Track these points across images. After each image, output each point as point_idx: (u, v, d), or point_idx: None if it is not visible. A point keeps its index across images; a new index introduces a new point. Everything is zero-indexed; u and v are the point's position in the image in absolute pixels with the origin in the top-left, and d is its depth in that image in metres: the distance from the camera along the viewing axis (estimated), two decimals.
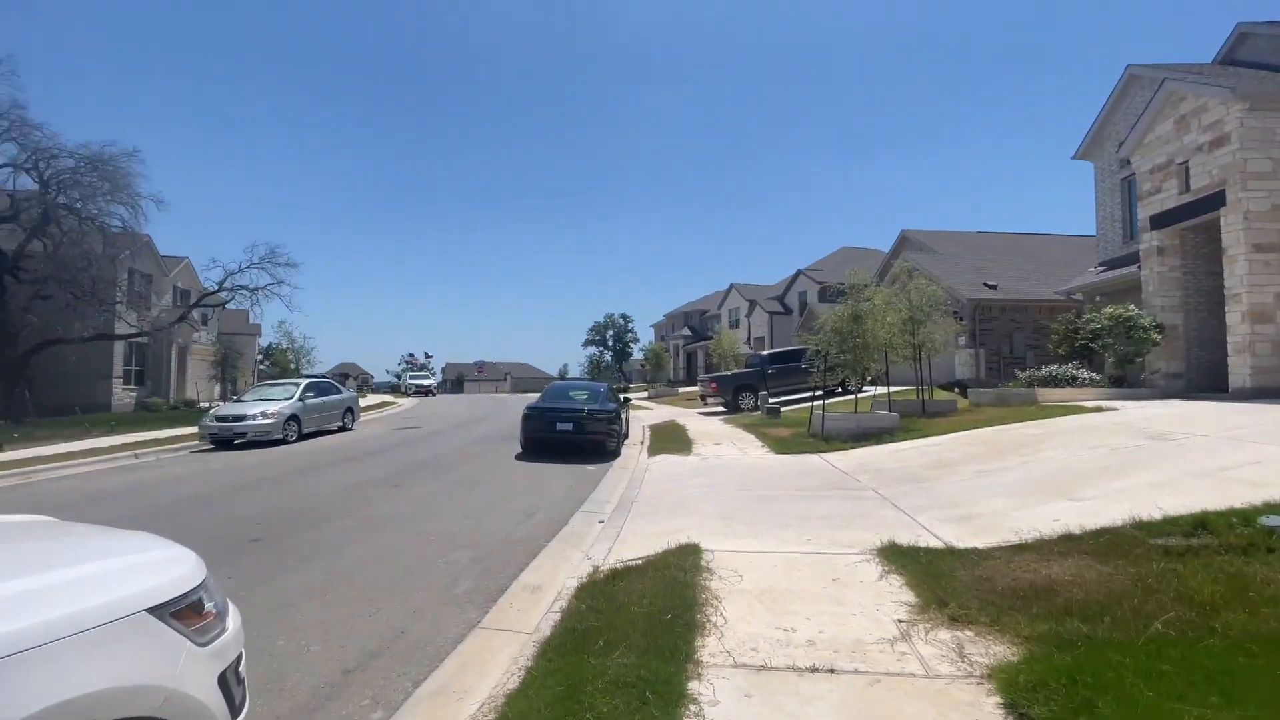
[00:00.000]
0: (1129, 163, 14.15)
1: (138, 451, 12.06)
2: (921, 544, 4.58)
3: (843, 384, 15.33)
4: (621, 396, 14.74)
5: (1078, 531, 4.48)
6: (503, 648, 3.29)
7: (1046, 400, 11.74)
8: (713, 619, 3.35)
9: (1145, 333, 12.12)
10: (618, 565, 4.45)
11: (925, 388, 13.58)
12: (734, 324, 44.83)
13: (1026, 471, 6.66)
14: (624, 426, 12.88)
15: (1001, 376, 18.94)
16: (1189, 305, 12.43)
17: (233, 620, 2.05)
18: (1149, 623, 3.05)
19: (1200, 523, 4.30)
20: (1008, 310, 20.87)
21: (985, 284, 21.17)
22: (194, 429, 14.36)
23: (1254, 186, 10.57)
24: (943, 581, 3.77)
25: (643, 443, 12.89)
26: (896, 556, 4.33)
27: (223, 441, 13.17)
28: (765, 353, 23.45)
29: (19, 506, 7.57)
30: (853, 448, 9.81)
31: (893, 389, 14.13)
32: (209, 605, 1.91)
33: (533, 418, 11.37)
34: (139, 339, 24.08)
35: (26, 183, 18.94)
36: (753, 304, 42.54)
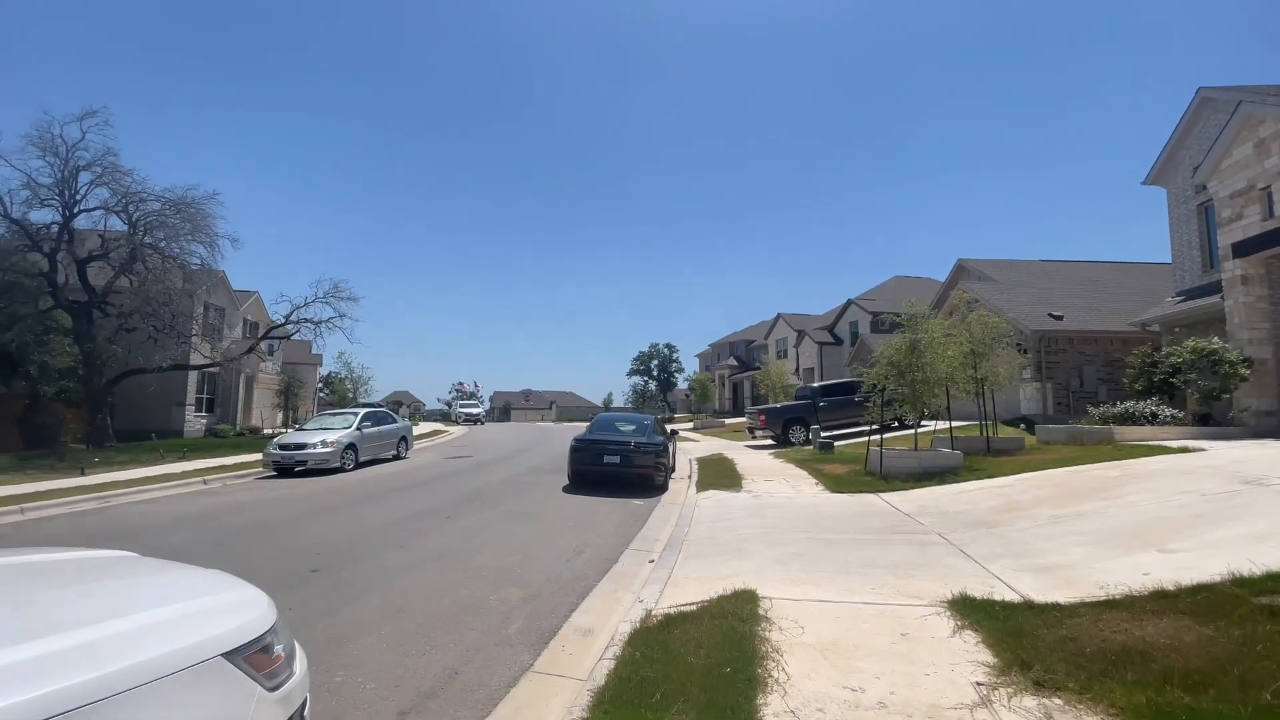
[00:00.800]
0: (1205, 188, 13.40)
1: (207, 478, 12.66)
2: (996, 597, 4.28)
3: (900, 419, 14.78)
4: (668, 428, 14.63)
5: (1171, 588, 4.11)
6: (556, 694, 3.22)
7: (1124, 439, 10.99)
8: (774, 674, 3.19)
9: (1232, 367, 11.26)
10: (671, 610, 4.33)
11: (989, 424, 12.97)
12: (781, 354, 44.22)
13: (1107, 518, 6.20)
14: (671, 459, 12.74)
15: (1071, 412, 17.93)
16: (1279, 338, 11.52)
17: (299, 663, 2.07)
18: (1258, 693, 2.74)
19: None
20: (1075, 342, 19.83)
21: (1050, 314, 20.21)
22: (258, 455, 15.01)
23: None
24: (1024, 640, 3.50)
25: (690, 477, 12.70)
26: (970, 610, 4.06)
27: (285, 469, 13.70)
28: (816, 384, 22.95)
29: (97, 529, 8.02)
30: (914, 487, 9.39)
31: (955, 424, 13.53)
32: (279, 648, 1.93)
33: (580, 450, 11.39)
34: (211, 369, 25.54)
35: (116, 223, 20.61)
36: (801, 334, 41.92)
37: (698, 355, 67.01)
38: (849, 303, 37.80)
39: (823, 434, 17.94)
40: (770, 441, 20.72)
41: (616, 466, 10.89)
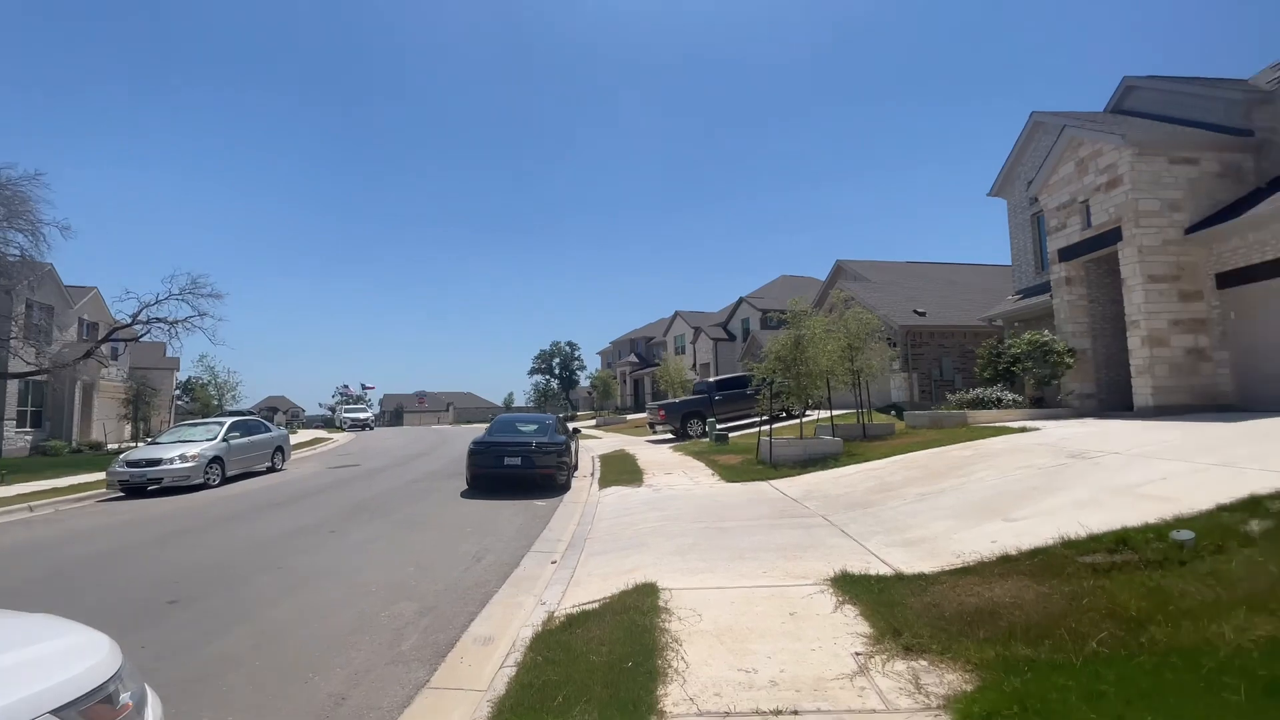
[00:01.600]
0: (1037, 200, 15.36)
1: (34, 504, 10.93)
2: (872, 571, 4.67)
3: (787, 409, 15.71)
4: (571, 427, 14.58)
5: (1014, 552, 4.68)
6: (454, 709, 3.11)
7: (976, 422, 12.38)
8: (674, 664, 3.29)
9: (1059, 357, 13.04)
10: (574, 610, 4.32)
11: (865, 412, 14.09)
12: (680, 350, 45.41)
13: (963, 494, 6.95)
14: (574, 458, 12.70)
15: (933, 399, 19.88)
16: (1096, 330, 13.47)
17: (152, 710, 1.85)
18: (1085, 642, 3.19)
19: (1121, 539, 4.57)
20: (936, 336, 22.05)
21: (915, 311, 22.32)
22: (102, 474, 13.18)
23: (1145, 223, 11.66)
24: (895, 610, 3.85)
25: (593, 474, 12.73)
26: (850, 586, 4.40)
27: (135, 489, 12.14)
28: (712, 379, 23.78)
29: None
30: (800, 474, 10.02)
31: (835, 413, 14.63)
32: (125, 697, 1.72)
33: (479, 453, 11.06)
34: (37, 377, 22.05)
35: None
36: (697, 330, 43.26)
37: (599, 353, 67.21)
38: (740, 300, 39.52)
39: (718, 427, 18.65)
40: (670, 436, 21.22)
41: (518, 468, 10.69)
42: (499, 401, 75.75)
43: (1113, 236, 12.22)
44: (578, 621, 4.01)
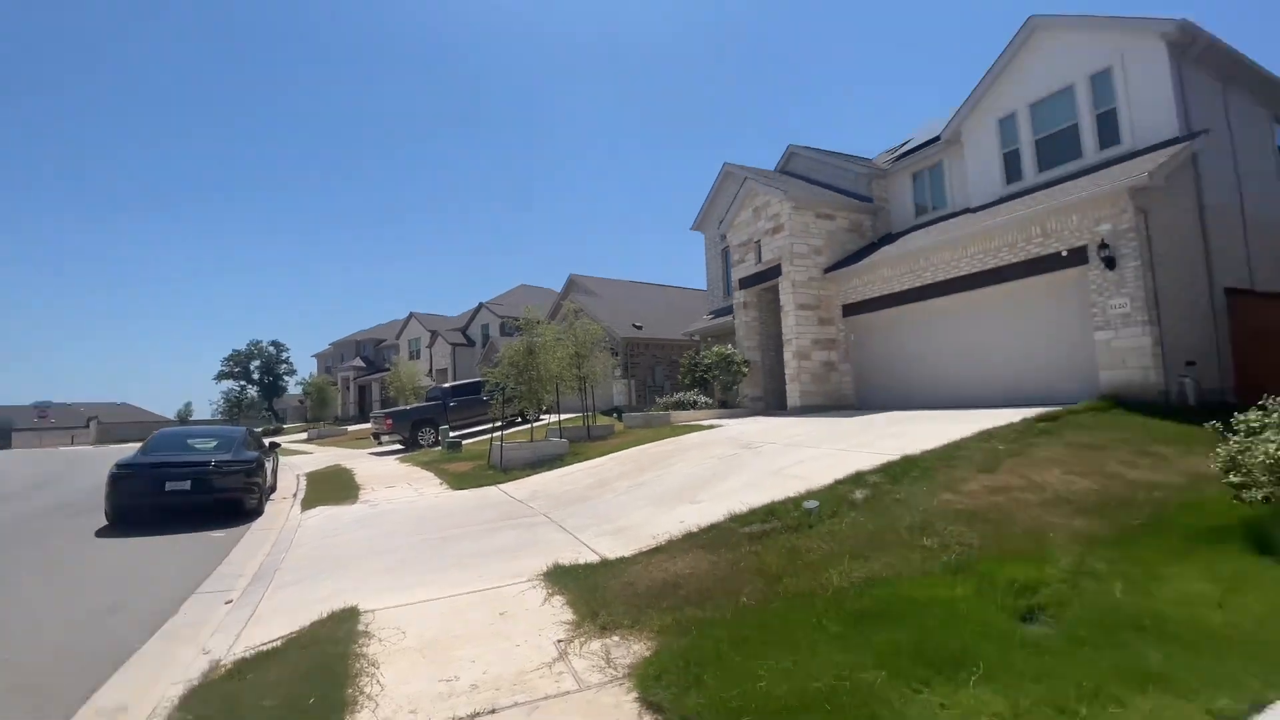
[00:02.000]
0: (725, 237, 18.42)
1: None
2: (581, 561, 5.02)
3: (522, 414, 15.97)
4: (267, 441, 12.45)
5: (695, 530, 5.49)
6: None
7: (678, 421, 14.26)
8: (367, 690, 3.06)
9: (738, 367, 15.86)
10: (248, 654, 3.71)
11: (590, 415, 15.07)
12: (414, 355, 42.48)
13: (663, 483, 7.93)
14: (270, 478, 10.89)
15: (648, 402, 22.25)
16: (764, 346, 16.69)
17: None
18: (738, 598, 3.93)
19: (770, 511, 5.71)
20: (651, 347, 24.81)
21: (635, 325, 24.78)
22: None
23: (797, 263, 14.89)
24: (597, 594, 4.20)
25: (296, 495, 11.11)
26: (560, 577, 4.65)
27: None
28: (447, 385, 22.84)
29: None
30: (529, 475, 10.26)
31: (564, 417, 15.38)
32: None
33: (126, 478, 8.67)
34: None
35: None
36: (434, 334, 41.05)
37: (316, 355, 58.82)
38: (481, 306, 38.84)
39: (452, 434, 17.99)
40: (399, 446, 19.73)
41: (187, 494, 8.70)
42: (171, 414, 60.53)
43: (776, 271, 15.30)
44: (251, 666, 3.46)
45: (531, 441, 12.42)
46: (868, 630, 3.23)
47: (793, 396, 14.55)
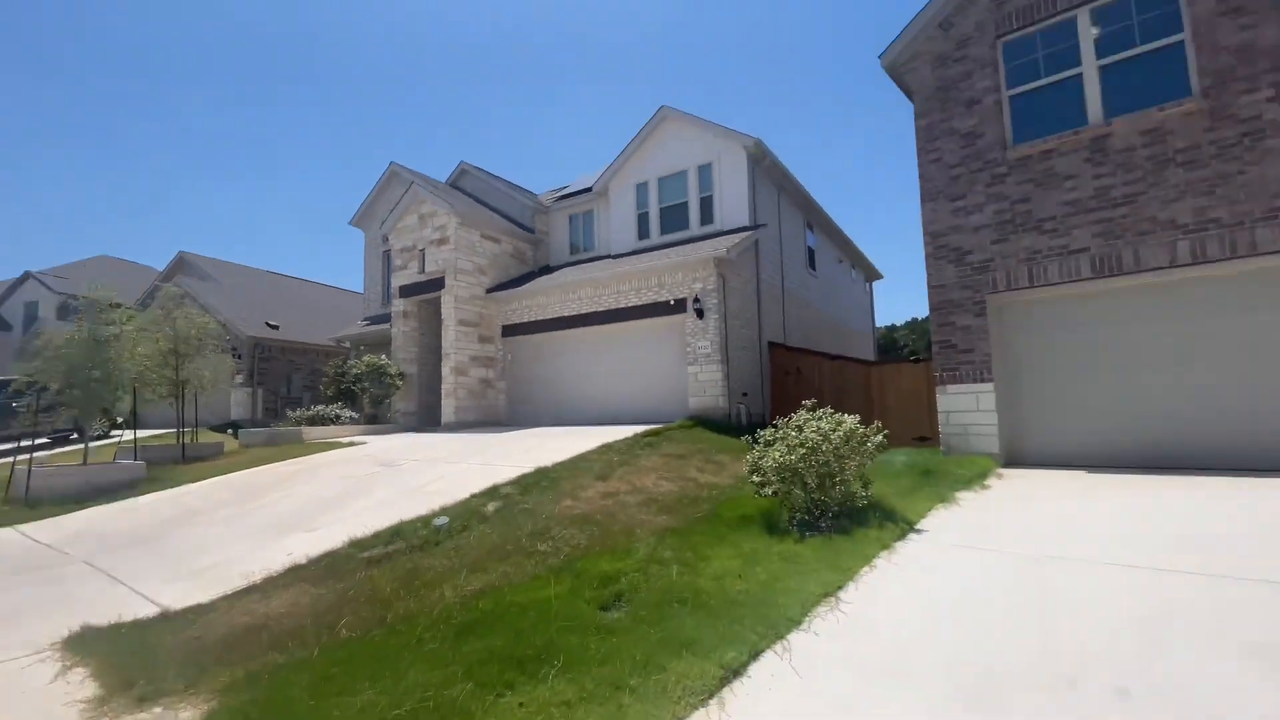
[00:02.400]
0: (388, 239, 17.27)
1: None
2: (128, 617, 3.93)
3: (79, 428, 11.85)
4: None
5: (304, 561, 4.87)
6: None
7: (312, 438, 12.54)
8: None
9: (392, 379, 14.86)
10: None
11: (191, 430, 12.11)
12: None
13: (276, 510, 6.82)
14: None
15: (279, 416, 19.04)
16: (422, 359, 16.05)
17: None
18: (334, 631, 3.59)
19: (396, 532, 5.44)
20: (288, 351, 21.33)
21: (268, 323, 21.00)
22: None
23: (461, 279, 14.83)
24: (140, 657, 3.32)
25: None
26: (88, 643, 3.56)
27: None
28: None
29: None
30: (74, 510, 7.64)
31: (152, 433, 11.94)
32: None
33: None
34: None
35: None
36: None
37: None
38: (27, 275, 27.76)
39: None
40: None
41: None
42: None
43: (439, 284, 14.97)
44: None
45: (85, 465, 9.31)
46: (466, 643, 3.30)
47: (448, 412, 14.30)
